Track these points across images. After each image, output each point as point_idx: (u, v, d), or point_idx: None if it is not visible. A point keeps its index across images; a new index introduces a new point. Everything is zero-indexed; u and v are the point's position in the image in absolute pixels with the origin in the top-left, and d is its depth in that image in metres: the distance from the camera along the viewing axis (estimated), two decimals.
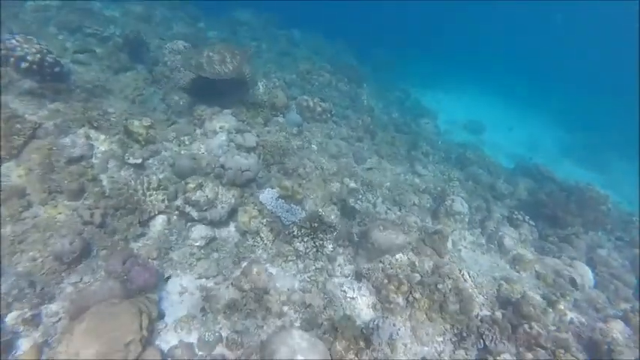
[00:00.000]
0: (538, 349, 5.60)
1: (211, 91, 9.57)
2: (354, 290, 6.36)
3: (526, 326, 5.80)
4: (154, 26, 13.87)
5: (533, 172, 14.63)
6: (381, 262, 6.72)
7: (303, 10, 22.61)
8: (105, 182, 6.67)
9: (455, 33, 39.94)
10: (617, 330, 6.65)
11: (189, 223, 6.89)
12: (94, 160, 6.86)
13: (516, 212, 9.90)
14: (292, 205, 7.52)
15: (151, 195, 6.70)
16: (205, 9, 17.52)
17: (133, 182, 6.72)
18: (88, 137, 7.01)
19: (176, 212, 6.91)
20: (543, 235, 10.05)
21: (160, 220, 6.68)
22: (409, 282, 6.25)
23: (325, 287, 6.44)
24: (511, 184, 12.90)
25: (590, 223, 10.52)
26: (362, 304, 6.25)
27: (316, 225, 6.96)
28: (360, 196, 8.84)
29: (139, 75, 10.27)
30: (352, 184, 9.05)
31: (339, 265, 6.89)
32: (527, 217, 9.70)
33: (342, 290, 6.43)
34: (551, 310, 6.89)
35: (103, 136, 7.26)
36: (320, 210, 7.64)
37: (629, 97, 34.27)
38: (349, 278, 6.71)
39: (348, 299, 6.30)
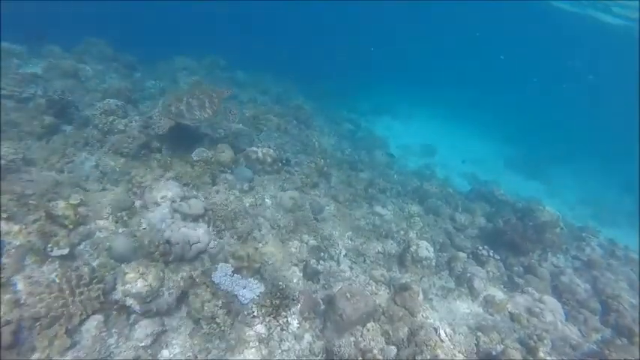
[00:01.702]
0: None
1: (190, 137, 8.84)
2: None
3: None
4: (83, 82, 12.84)
5: (487, 196, 14.96)
6: (352, 335, 6.14)
7: (247, 51, 22.39)
8: (20, 286, 5.60)
9: (399, 59, 41.82)
10: None
11: (131, 319, 5.95)
12: (3, 260, 5.78)
13: (480, 247, 9.82)
14: (249, 279, 6.80)
15: (81, 293, 5.71)
16: (142, 56, 16.70)
17: (57, 280, 5.72)
18: None
19: (115, 308, 5.94)
20: (507, 264, 10.05)
21: (95, 322, 5.67)
22: (385, 358, 5.71)
23: None
24: (469, 212, 13.02)
25: (548, 247, 10.68)
26: None
27: (277, 302, 6.27)
28: (322, 254, 8.29)
29: (67, 139, 9.25)
30: (312, 241, 8.50)
31: (307, 344, 6.20)
32: (491, 252, 9.63)
33: None
34: (531, 358, 6.61)
35: (16, 227, 6.20)
36: (280, 282, 6.95)
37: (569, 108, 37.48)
38: (320, 357, 6.04)
39: None
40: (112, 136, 9.18)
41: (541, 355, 6.65)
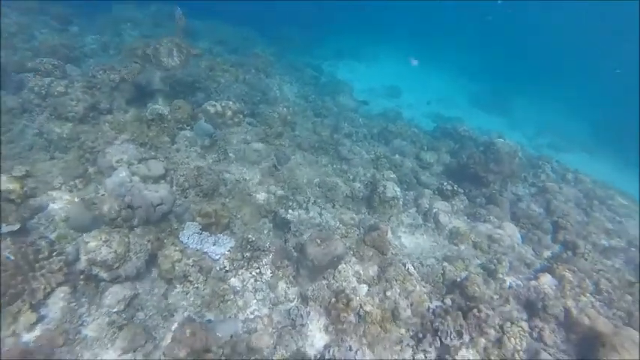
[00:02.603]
0: (489, 330, 5.73)
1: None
2: (302, 316, 5.93)
3: (475, 311, 5.88)
4: (7, 38, 11.47)
5: (451, 133, 15.21)
6: (324, 278, 6.35)
7: None
8: None
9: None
10: (547, 284, 7.13)
11: (100, 287, 5.85)
12: None
13: (445, 182, 10.13)
14: (218, 235, 6.77)
15: (42, 267, 5.51)
16: (78, 8, 14.93)
17: (12, 257, 5.45)
18: None
19: (81, 278, 5.80)
20: (471, 196, 10.51)
21: (62, 294, 5.55)
22: (357, 296, 5.99)
23: (272, 321, 5.94)
24: (434, 150, 13.28)
25: (508, 177, 11.18)
26: (314, 330, 5.87)
27: (249, 254, 6.32)
28: (291, 203, 8.31)
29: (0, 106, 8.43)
30: (279, 192, 8.47)
31: (282, 291, 6.38)
32: (455, 186, 9.97)
33: (290, 319, 5.97)
34: (492, 280, 7.14)
35: None
36: (250, 235, 6.95)
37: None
38: (295, 303, 6.25)
39: (299, 327, 5.87)
40: (53, 100, 8.42)
41: (500, 275, 7.20)
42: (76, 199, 6.84)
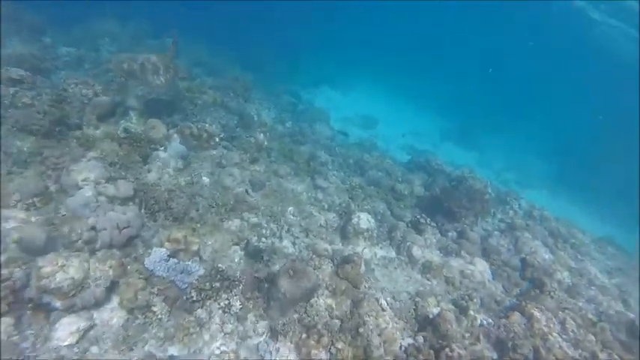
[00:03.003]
0: None
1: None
2: (271, 352, 5.65)
3: (447, 350, 5.80)
4: None
5: (424, 166, 15.60)
6: (296, 312, 6.13)
7: (176, 16, 20.49)
8: None
9: (340, 30, 41.10)
10: (517, 322, 7.18)
11: (51, 317, 5.37)
12: None
13: (418, 215, 10.24)
14: (187, 262, 6.46)
15: None
16: (50, 17, 14.50)
17: None
18: None
19: (29, 307, 5.31)
20: (443, 230, 10.64)
21: (3, 325, 5.03)
22: (329, 331, 5.79)
23: (239, 357, 5.62)
24: (408, 182, 13.48)
25: (479, 212, 11.45)
26: None
27: (218, 284, 6.04)
28: (264, 231, 8.12)
29: None
30: (253, 219, 8.28)
31: (251, 323, 6.09)
32: (428, 220, 10.09)
33: (258, 354, 5.67)
34: (463, 317, 7.13)
35: None
36: (219, 264, 6.68)
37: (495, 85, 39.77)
38: (264, 337, 5.97)
39: None
40: (16, 111, 7.98)
41: (471, 312, 7.20)
42: (33, 219, 6.37)
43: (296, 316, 6.11)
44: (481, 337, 6.78)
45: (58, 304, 5.36)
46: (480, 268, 8.78)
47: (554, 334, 7.00)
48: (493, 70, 34.08)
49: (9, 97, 8.04)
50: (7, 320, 5.04)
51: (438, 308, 7.28)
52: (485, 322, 7.27)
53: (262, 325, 6.10)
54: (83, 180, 6.93)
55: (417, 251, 8.83)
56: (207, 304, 6.00)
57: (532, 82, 41.46)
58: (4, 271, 5.37)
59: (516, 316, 7.27)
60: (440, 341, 6.21)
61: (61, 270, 5.36)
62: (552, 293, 8.45)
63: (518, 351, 6.50)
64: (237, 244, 7.69)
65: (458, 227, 10.82)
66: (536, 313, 7.26)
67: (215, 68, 17.06)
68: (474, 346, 6.38)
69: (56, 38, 13.70)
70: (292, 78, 24.94)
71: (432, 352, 5.88)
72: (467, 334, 6.87)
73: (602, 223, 23.24)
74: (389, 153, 18.06)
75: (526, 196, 15.99)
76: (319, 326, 5.86)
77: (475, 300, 7.59)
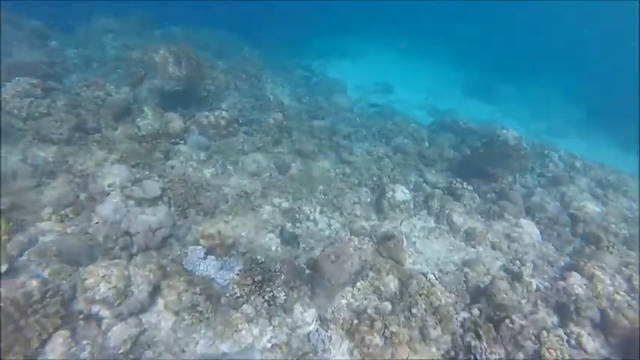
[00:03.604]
0: (525, 343, 5.32)
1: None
2: (323, 341, 5.49)
3: (507, 322, 5.48)
4: None
5: (451, 125, 14.86)
6: (343, 297, 5.91)
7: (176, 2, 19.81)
8: None
9: None
10: (576, 284, 6.73)
11: (103, 326, 5.34)
12: None
13: (454, 181, 9.73)
14: (224, 258, 6.29)
15: (35, 312, 4.99)
16: (51, 21, 14.18)
17: (1, 304, 4.93)
18: None
19: (81, 319, 5.29)
20: (481, 193, 10.11)
21: (60, 339, 5.03)
22: (381, 315, 5.55)
23: (291, 348, 5.48)
24: (436, 145, 12.88)
25: (516, 169, 10.82)
26: (337, 355, 5.42)
27: (259, 277, 5.85)
28: (297, 215, 7.85)
29: None
30: (284, 204, 8.00)
31: (298, 313, 5.92)
32: (464, 184, 9.58)
33: (311, 344, 5.52)
34: (517, 283, 6.75)
35: None
36: (258, 255, 6.48)
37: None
38: (314, 326, 5.80)
39: (321, 353, 5.42)
40: (35, 122, 7.85)
41: (526, 278, 6.80)
42: (69, 230, 6.31)
43: (344, 301, 5.90)
44: (539, 302, 6.40)
45: (106, 313, 5.34)
46: (528, 229, 8.29)
47: (622, 292, 6.53)
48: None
49: (25, 109, 7.88)
50: (64, 333, 5.04)
51: (489, 276, 6.91)
52: (541, 285, 6.86)
53: (310, 314, 5.92)
54: (109, 185, 6.79)
55: (457, 218, 8.41)
56: (252, 298, 5.83)
57: (551, 26, 38.70)
58: (51, 285, 5.36)
59: (575, 277, 6.82)
60: (497, 312, 5.89)
61: (103, 280, 5.28)
62: (611, 248, 7.91)
63: (583, 314, 6.11)
64: (271, 231, 7.48)
65: (496, 188, 10.26)
66: (597, 272, 6.78)
67: (222, 51, 16.51)
68: (535, 315, 6.03)
69: (62, 41, 13.43)
70: (301, 51, 24.08)
71: (490, 325, 5.56)
72: (523, 301, 6.51)
73: None
74: (410, 117, 17.27)
75: (560, 145, 15.09)
76: (369, 310, 5.63)
77: (527, 264, 7.17)
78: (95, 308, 5.34)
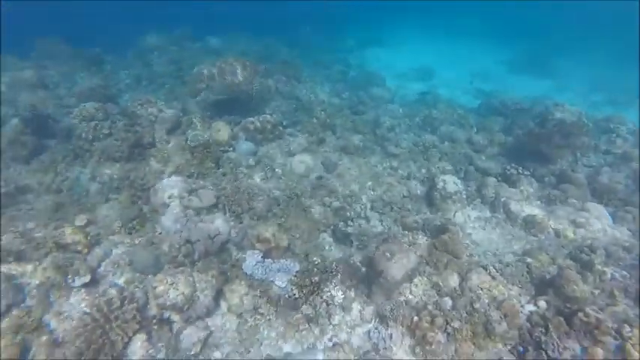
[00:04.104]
0: (604, 338, 4.98)
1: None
2: (384, 339, 5.49)
3: (581, 315, 5.15)
4: (52, 89, 11.94)
5: (498, 107, 14.14)
6: (400, 294, 5.87)
7: (214, 16, 20.49)
8: (53, 325, 5.36)
9: None
10: None
11: (174, 329, 5.73)
12: (28, 302, 5.50)
13: (508, 167, 9.27)
14: (281, 260, 6.47)
15: (117, 317, 5.45)
16: (105, 46, 15.33)
17: (88, 310, 5.46)
18: (8, 278, 5.57)
19: (154, 323, 5.70)
20: (538, 177, 9.53)
21: (139, 342, 5.47)
22: (442, 311, 5.45)
23: (352, 346, 5.55)
24: (485, 130, 12.33)
25: (577, 148, 10.08)
26: (399, 353, 5.40)
27: (317, 278, 5.96)
28: (348, 213, 7.87)
29: (54, 156, 8.70)
30: (335, 203, 8.05)
31: (357, 312, 5.98)
32: (520, 169, 9.09)
33: (372, 342, 5.55)
34: (588, 272, 6.31)
35: (30, 267, 5.86)
36: (314, 257, 6.62)
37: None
38: (373, 323, 5.82)
39: (382, 351, 5.44)
40: (100, 143, 8.52)
41: (598, 267, 6.33)
42: (137, 241, 6.81)
43: (402, 298, 5.85)
44: (617, 293, 5.93)
45: (176, 317, 5.71)
46: (596, 212, 7.69)
47: None
48: None
49: (91, 131, 8.57)
50: (142, 336, 5.47)
51: (555, 266, 6.52)
52: (617, 275, 6.35)
53: (369, 312, 5.95)
54: (169, 197, 7.21)
55: (515, 206, 8.00)
56: (311, 298, 5.96)
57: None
58: (126, 292, 5.83)
59: None
60: (567, 305, 5.55)
61: (172, 287, 5.65)
62: None
63: None
64: (324, 231, 7.59)
65: (555, 170, 9.61)
66: None
67: (261, 55, 16.85)
68: (613, 307, 5.61)
69: (114, 64, 14.46)
70: (338, 45, 23.97)
71: (561, 319, 5.26)
72: (597, 292, 6.08)
73: None
74: (455, 102, 16.57)
75: (625, 115, 13.75)
76: (430, 306, 5.55)
77: (598, 251, 6.66)
78: (166, 313, 5.75)
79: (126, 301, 5.66)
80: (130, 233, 6.96)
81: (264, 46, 18.52)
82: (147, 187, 7.77)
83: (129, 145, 8.40)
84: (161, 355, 5.47)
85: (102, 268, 6.32)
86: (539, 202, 8.57)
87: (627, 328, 5.06)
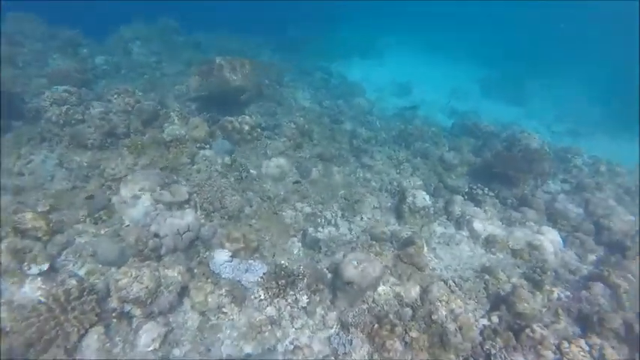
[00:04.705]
0: (546, 352, 5.34)
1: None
2: (344, 345, 5.63)
3: (528, 331, 5.50)
4: (23, 67, 11.46)
5: (472, 129, 14.74)
6: (364, 302, 6.04)
7: (200, 9, 20.25)
8: (2, 312, 5.15)
9: None
10: (599, 294, 6.68)
11: (134, 324, 5.64)
12: None
13: (474, 186, 9.71)
14: (250, 261, 6.51)
15: (74, 308, 5.31)
16: (83, 30, 14.80)
17: (43, 300, 5.28)
18: None
19: (114, 317, 5.59)
20: (502, 198, 10.04)
21: (95, 335, 5.34)
22: (402, 320, 5.66)
23: (313, 351, 5.65)
24: (456, 149, 12.84)
25: (539, 175, 10.70)
26: (358, 359, 5.55)
27: (283, 281, 6.04)
28: (319, 220, 8.02)
29: (20, 137, 8.35)
30: (306, 208, 8.19)
31: (320, 317, 6.09)
32: (486, 189, 9.56)
33: (332, 347, 5.68)
34: (538, 292, 6.73)
35: None
36: (282, 260, 6.70)
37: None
38: (335, 329, 5.96)
39: (342, 356, 5.57)
40: (71, 128, 8.28)
41: (547, 287, 6.77)
42: (102, 232, 6.65)
43: (365, 306, 6.03)
44: (561, 312, 6.37)
45: (138, 312, 5.61)
46: (550, 236, 8.21)
47: None
48: None
49: (62, 116, 8.31)
50: (99, 329, 5.35)
51: (510, 284, 6.91)
52: (562, 295, 6.82)
53: (332, 318, 6.07)
54: (140, 190, 7.10)
55: (478, 225, 8.40)
56: (276, 301, 6.03)
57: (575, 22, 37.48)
58: (87, 283, 5.69)
59: (598, 287, 6.76)
60: (517, 321, 5.91)
61: (135, 281, 5.57)
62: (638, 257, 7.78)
63: (607, 326, 6.05)
64: (294, 235, 7.68)
65: (517, 194, 10.17)
66: (623, 282, 6.70)
67: (245, 56, 16.80)
68: (556, 324, 6.02)
69: (92, 48, 14.01)
70: (321, 53, 24.22)
71: (510, 333, 5.60)
72: (544, 310, 6.49)
73: None
74: (430, 119, 17.15)
75: (584, 146, 14.73)
76: (391, 315, 5.75)
77: (549, 272, 7.13)
78: (128, 307, 5.64)
79: (85, 292, 5.53)
80: (95, 223, 6.79)
81: (249, 47, 18.51)
82: (117, 177, 7.60)
83: (102, 133, 8.21)
84: (117, 350, 5.37)
85: (62, 257, 6.13)
86: (500, 223, 9.03)
87: (565, 344, 5.45)
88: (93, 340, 5.30)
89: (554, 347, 5.48)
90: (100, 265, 6.17)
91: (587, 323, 6.33)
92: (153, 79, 12.65)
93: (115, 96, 9.16)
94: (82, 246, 6.35)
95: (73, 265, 6.09)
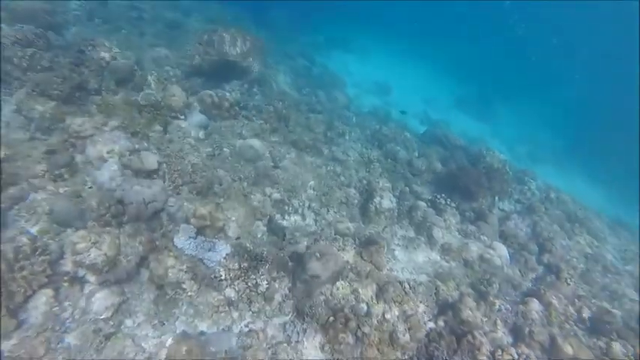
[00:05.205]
0: (481, 358, 5.80)
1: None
2: (298, 333, 5.80)
3: (469, 337, 5.94)
4: None
5: (442, 140, 15.26)
6: (322, 294, 6.22)
7: None
8: None
9: None
10: (534, 310, 7.30)
11: (86, 290, 5.47)
12: None
13: (438, 196, 10.15)
14: (214, 240, 6.48)
15: (22, 268, 5.06)
16: None
17: None
18: None
19: (65, 280, 5.39)
20: (461, 210, 10.58)
21: (43, 297, 5.13)
22: (356, 315, 5.90)
23: (267, 335, 5.77)
24: (425, 157, 13.28)
25: (497, 192, 11.36)
26: (309, 348, 5.75)
27: (246, 264, 6.08)
28: (286, 207, 8.08)
29: None
30: (275, 195, 8.21)
31: (277, 303, 6.21)
32: (448, 200, 10.02)
33: (286, 334, 5.83)
34: (482, 302, 7.24)
35: None
36: (244, 240, 6.71)
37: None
38: (290, 317, 6.10)
39: (294, 344, 5.74)
40: (36, 75, 7.70)
41: (491, 298, 7.31)
42: (61, 190, 6.32)
43: (322, 298, 6.21)
44: (499, 322, 6.92)
45: (92, 278, 5.47)
46: (500, 252, 8.82)
47: (571, 322, 7.13)
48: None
49: (26, 59, 7.71)
50: (48, 292, 5.15)
51: (458, 292, 7.38)
52: (502, 307, 7.39)
53: (289, 305, 6.21)
54: (108, 152, 6.80)
55: (437, 232, 8.83)
56: (236, 283, 6.06)
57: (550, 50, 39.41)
58: (39, 243, 5.42)
59: (534, 303, 7.38)
60: (461, 327, 6.34)
61: (94, 246, 5.39)
62: (569, 280, 8.55)
63: (535, 338, 6.66)
64: (260, 219, 7.69)
65: (476, 208, 10.75)
66: (554, 301, 7.37)
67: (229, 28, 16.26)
68: (494, 333, 6.53)
69: None
70: (305, 39, 23.91)
71: (453, 338, 6.01)
72: (485, 319, 7.01)
73: (608, 202, 23.04)
74: (404, 122, 17.58)
75: (537, 171, 15.78)
76: (346, 310, 5.97)
77: (494, 285, 7.68)
78: (82, 272, 5.47)
79: (37, 252, 5.29)
80: (55, 180, 6.42)
81: (233, 18, 17.89)
82: (83, 135, 7.21)
83: (71, 85, 7.70)
84: (66, 314, 5.20)
85: (13, 212, 5.77)
86: (457, 233, 9.54)
87: (499, 352, 5.96)
88: (40, 302, 5.10)
89: (489, 353, 5.96)
90: (56, 225, 5.88)
91: (519, 334, 6.92)
92: (130, 36, 11.95)
93: (90, 47, 8.61)
94: (37, 202, 6.01)
95: (26, 221, 5.76)
